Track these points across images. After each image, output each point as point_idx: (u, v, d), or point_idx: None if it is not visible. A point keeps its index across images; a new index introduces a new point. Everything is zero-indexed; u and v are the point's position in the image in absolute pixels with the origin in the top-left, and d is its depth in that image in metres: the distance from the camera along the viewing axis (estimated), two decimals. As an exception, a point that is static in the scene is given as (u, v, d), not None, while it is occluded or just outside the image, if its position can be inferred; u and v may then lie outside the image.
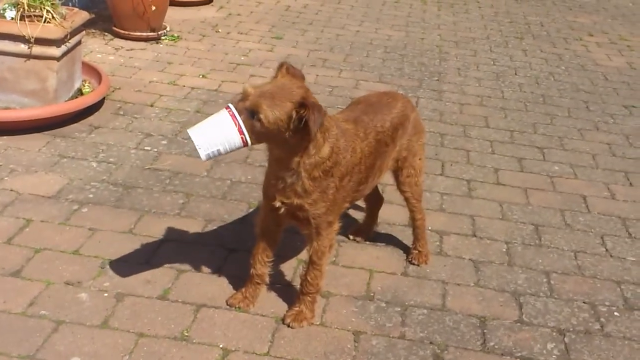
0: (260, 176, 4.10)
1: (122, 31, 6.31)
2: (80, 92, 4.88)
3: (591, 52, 7.52)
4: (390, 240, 3.59)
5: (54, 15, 4.41)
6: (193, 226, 3.55)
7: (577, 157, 4.82)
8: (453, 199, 4.07)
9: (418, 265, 3.39)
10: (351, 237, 3.56)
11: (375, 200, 3.57)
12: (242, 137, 2.35)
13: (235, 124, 2.35)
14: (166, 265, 3.21)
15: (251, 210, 3.74)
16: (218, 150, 2.38)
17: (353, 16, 8.07)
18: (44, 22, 4.37)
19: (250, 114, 2.37)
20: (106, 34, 6.40)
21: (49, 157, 4.11)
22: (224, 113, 2.38)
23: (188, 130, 2.41)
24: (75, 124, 4.55)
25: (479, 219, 3.87)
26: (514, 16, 8.81)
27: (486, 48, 7.28)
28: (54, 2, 4.51)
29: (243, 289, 3.01)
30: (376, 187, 3.51)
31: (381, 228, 3.68)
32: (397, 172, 3.24)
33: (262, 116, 2.37)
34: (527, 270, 3.44)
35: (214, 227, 3.56)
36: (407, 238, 3.57)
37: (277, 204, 2.69)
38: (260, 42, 6.72)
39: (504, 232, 3.76)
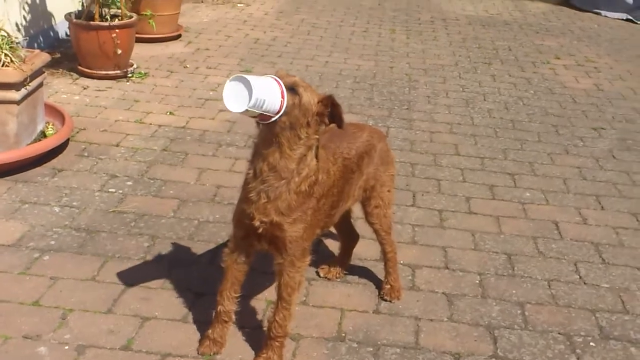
0: (228, 214, 4.02)
1: (88, 70, 6.23)
2: (43, 135, 4.78)
3: (559, 74, 7.56)
4: (362, 276, 3.52)
5: (13, 59, 4.32)
6: (158, 270, 3.45)
7: (548, 182, 4.80)
8: (425, 230, 4.01)
9: (390, 301, 3.32)
10: (322, 274, 3.48)
11: (350, 237, 3.52)
12: (281, 102, 2.38)
13: (280, 88, 2.39)
14: (130, 313, 3.11)
15: (219, 250, 3.65)
16: (263, 100, 2.34)
17: (322, 47, 8.07)
18: (2, 65, 4.28)
19: (290, 88, 2.43)
20: (72, 73, 6.32)
21: (9, 203, 4.00)
22: (268, 77, 2.41)
23: (238, 74, 2.33)
24: (38, 168, 4.44)
25: (451, 250, 3.81)
26: (482, 41, 8.86)
27: (455, 75, 7.30)
28: (12, 45, 4.43)
29: (210, 331, 2.91)
30: (351, 223, 3.48)
31: (353, 263, 3.60)
32: (364, 203, 3.20)
33: (301, 90, 2.44)
34: (501, 301, 3.38)
35: (180, 271, 3.46)
36: (379, 273, 3.51)
37: (257, 222, 2.62)
38: (229, 76, 6.62)
39: (476, 263, 3.70)
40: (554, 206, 4.44)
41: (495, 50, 8.47)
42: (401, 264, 3.60)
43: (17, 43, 4.54)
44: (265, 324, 2.97)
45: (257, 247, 2.76)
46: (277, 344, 2.81)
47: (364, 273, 3.54)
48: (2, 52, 4.32)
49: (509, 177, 4.84)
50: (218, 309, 2.88)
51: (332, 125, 2.61)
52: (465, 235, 3.99)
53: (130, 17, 6.35)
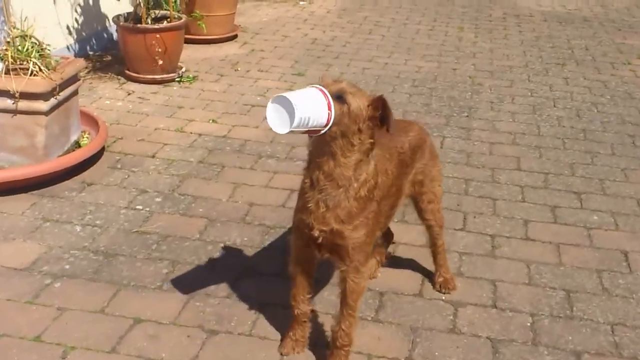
0: (257, 237, 3.72)
1: (135, 74, 6.05)
2: (78, 145, 4.59)
3: (640, 77, 6.90)
4: (395, 314, 3.13)
5: (41, 68, 4.13)
6: (173, 302, 3.16)
7: (620, 203, 4.26)
8: (473, 260, 3.59)
9: (448, 292, 3.26)
10: None
11: (386, 237, 3.44)
12: (328, 114, 2.26)
13: (326, 99, 2.27)
14: (135, 353, 2.83)
15: (239, 281, 3.34)
16: (308, 118, 2.21)
17: (383, 47, 7.65)
18: (30, 74, 4.10)
19: (337, 97, 2.31)
20: (119, 77, 6.15)
21: (31, 220, 3.81)
22: (312, 89, 2.29)
23: (279, 94, 2.18)
24: (67, 181, 4.24)
25: (501, 285, 3.37)
26: (556, 40, 8.23)
27: (524, 77, 6.75)
28: (42, 52, 4.24)
29: (291, 333, 2.85)
30: None
31: (386, 298, 3.23)
32: (416, 199, 3.13)
33: (349, 98, 2.32)
34: (554, 350, 2.93)
35: (196, 304, 3.16)
36: (416, 311, 3.13)
37: (316, 232, 2.52)
38: (280, 79, 6.37)
39: (529, 301, 3.25)
40: (625, 232, 3.91)
41: (570, 49, 7.84)
42: (442, 300, 3.21)
43: (48, 50, 4.34)
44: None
45: (318, 255, 2.67)
46: (343, 353, 2.73)
47: (399, 310, 3.15)
48: (30, 60, 4.13)
49: (575, 196, 4.32)
50: (295, 312, 2.82)
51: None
52: (519, 266, 3.54)
53: (179, 18, 6.14)
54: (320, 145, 2.40)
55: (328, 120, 2.27)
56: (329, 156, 2.40)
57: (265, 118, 5.17)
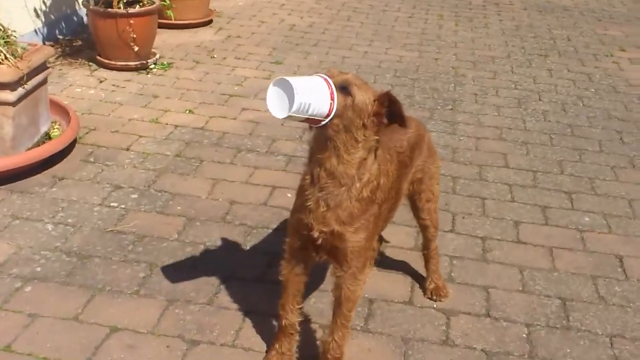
0: (238, 237, 3.55)
1: (107, 61, 5.80)
2: (48, 137, 4.36)
3: (624, 70, 6.82)
4: (385, 323, 2.99)
5: (7, 56, 3.89)
6: (151, 309, 2.99)
7: (611, 203, 4.16)
8: (464, 265, 3.46)
9: (440, 300, 3.12)
10: None
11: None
12: (331, 104, 2.18)
13: (329, 88, 2.17)
14: (111, 366, 2.66)
15: (221, 286, 3.16)
16: (308, 105, 2.11)
17: (362, 35, 7.48)
18: (-4, 63, 3.86)
19: (341, 88, 2.21)
20: (90, 63, 5.89)
21: (-1, 218, 3.60)
22: (316, 77, 2.20)
23: (282, 77, 2.09)
24: (38, 175, 4.02)
25: (494, 292, 3.25)
26: (537, 30, 8.13)
27: (507, 68, 6.63)
28: (8, 39, 3.99)
29: (277, 345, 2.68)
30: None
31: (376, 306, 3.09)
32: (414, 198, 3.01)
33: (354, 90, 2.21)
34: (553, 364, 2.82)
35: (175, 310, 2.98)
36: (407, 320, 3.00)
37: (316, 233, 2.39)
38: (258, 68, 6.16)
39: (524, 310, 3.13)
40: (618, 235, 3.81)
41: (552, 40, 7.75)
42: (434, 309, 3.08)
43: (14, 36, 4.09)
44: None
45: (315, 258, 2.54)
46: None
47: (389, 319, 3.01)
48: (-5, 48, 3.89)
49: (565, 196, 4.22)
50: (283, 323, 2.67)
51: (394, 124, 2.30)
52: (512, 271, 3.42)
53: (152, 2, 5.89)
54: (323, 139, 2.28)
55: (330, 111, 2.17)
56: (332, 152, 2.28)
57: (245, 107, 5.04)
